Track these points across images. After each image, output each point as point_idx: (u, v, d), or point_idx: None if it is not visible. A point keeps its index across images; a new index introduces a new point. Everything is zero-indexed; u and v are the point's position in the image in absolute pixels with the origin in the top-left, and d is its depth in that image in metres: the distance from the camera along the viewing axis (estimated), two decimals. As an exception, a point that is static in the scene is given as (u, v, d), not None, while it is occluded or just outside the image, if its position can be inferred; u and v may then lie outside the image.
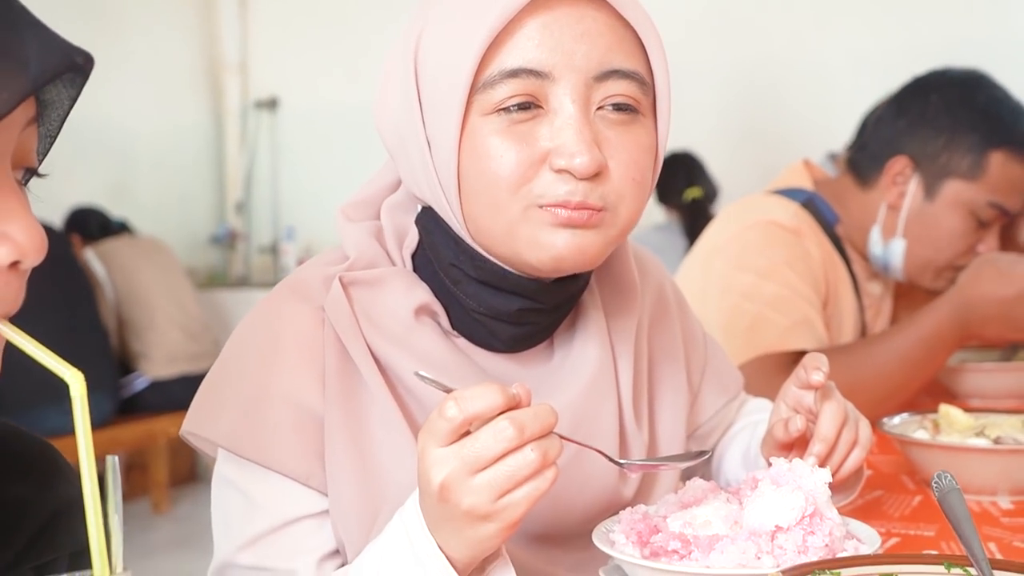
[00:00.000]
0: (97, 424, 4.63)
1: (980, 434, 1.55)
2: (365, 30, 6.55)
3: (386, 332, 1.14)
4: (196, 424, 1.16)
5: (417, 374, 0.99)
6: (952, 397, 2.16)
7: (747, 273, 2.07)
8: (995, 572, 0.92)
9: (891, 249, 2.15)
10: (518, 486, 0.92)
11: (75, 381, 0.73)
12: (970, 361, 2.31)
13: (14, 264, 0.77)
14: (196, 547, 5.05)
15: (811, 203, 2.20)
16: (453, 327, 1.18)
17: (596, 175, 1.06)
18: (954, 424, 1.59)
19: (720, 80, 5.07)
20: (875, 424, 1.57)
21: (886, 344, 1.97)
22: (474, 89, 1.06)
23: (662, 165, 1.18)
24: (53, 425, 2.63)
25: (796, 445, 1.25)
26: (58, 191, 5.48)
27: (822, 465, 1.16)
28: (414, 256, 1.20)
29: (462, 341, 1.19)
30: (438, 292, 1.18)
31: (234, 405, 1.13)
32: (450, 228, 1.14)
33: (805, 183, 2.26)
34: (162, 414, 5.27)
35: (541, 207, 1.06)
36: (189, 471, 6.36)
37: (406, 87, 1.11)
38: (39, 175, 0.83)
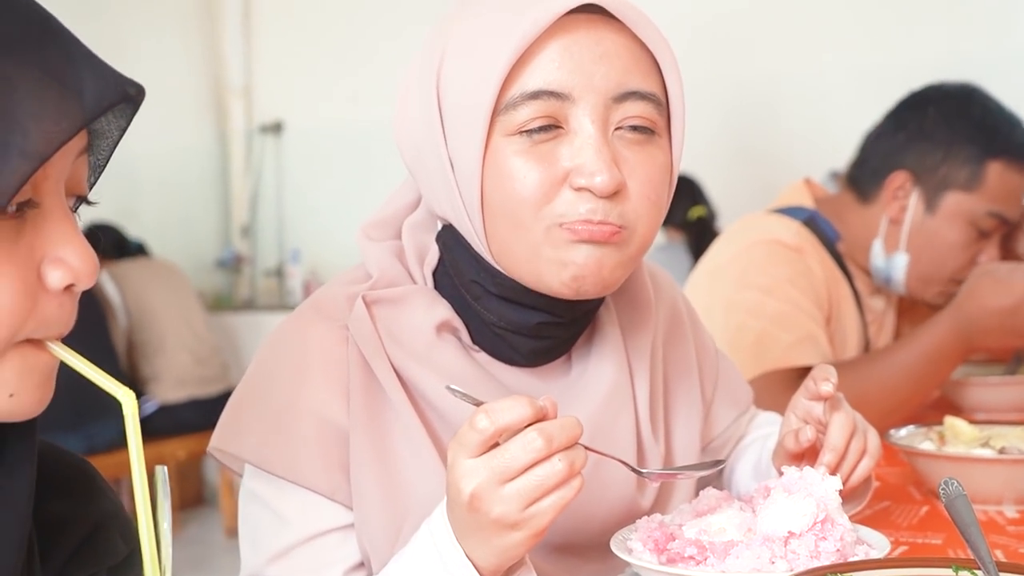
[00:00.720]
0: (105, 447, 4.66)
1: (985, 445, 1.58)
2: (367, 53, 6.59)
3: (408, 349, 1.18)
4: (224, 440, 1.19)
5: (448, 388, 1.02)
6: (957, 411, 2.19)
7: (751, 291, 2.10)
8: (1001, 574, 0.95)
9: (894, 263, 2.18)
10: (546, 495, 0.96)
11: (127, 400, 0.77)
12: (975, 375, 2.34)
13: (68, 287, 0.81)
14: (205, 569, 5.08)
15: (812, 221, 2.24)
16: (474, 342, 1.22)
17: (615, 194, 1.09)
18: (959, 435, 1.62)
19: (717, 99, 5.09)
20: (882, 436, 1.60)
21: (890, 358, 2.00)
22: (496, 110, 1.09)
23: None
24: (75, 447, 2.66)
25: (807, 455, 1.28)
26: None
27: (832, 474, 1.20)
28: (435, 273, 1.24)
29: (483, 356, 1.22)
30: (459, 308, 1.21)
31: (261, 422, 1.17)
32: (471, 246, 1.17)
33: (806, 201, 2.30)
34: (171, 437, 5.28)
35: (562, 226, 1.09)
36: (197, 494, 6.38)
37: (427, 106, 1.14)
38: (89, 203, 0.87)
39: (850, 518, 1.15)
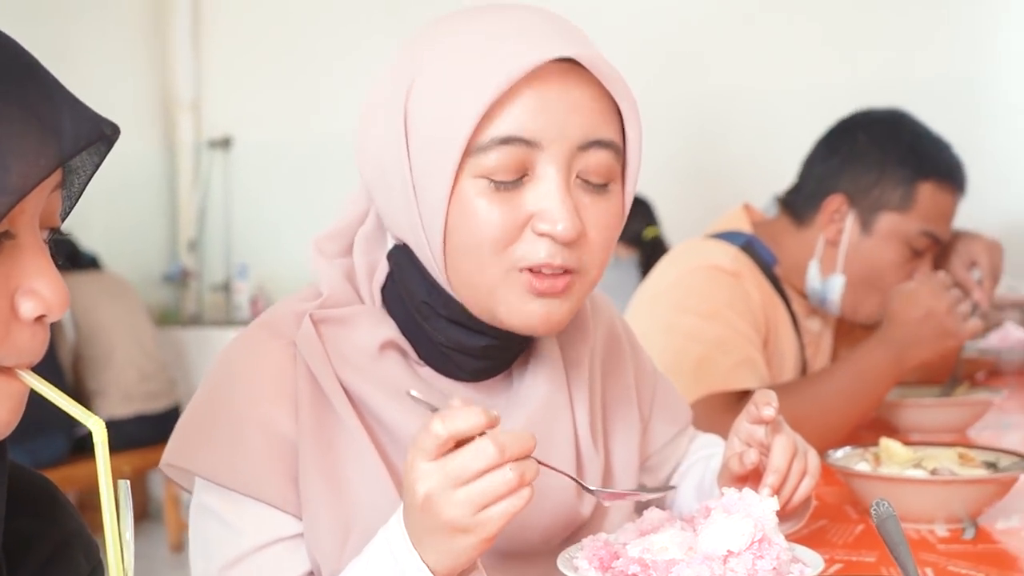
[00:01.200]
0: (49, 463, 4.64)
1: (918, 466, 1.64)
2: (318, 69, 6.61)
3: (354, 365, 1.22)
4: (176, 456, 1.23)
5: (409, 393, 1.07)
6: (893, 431, 2.25)
7: (690, 316, 2.16)
8: (928, 591, 1.00)
9: (829, 285, 2.25)
10: (495, 502, 1.00)
11: (97, 428, 0.80)
12: (910, 396, 2.40)
13: (40, 318, 0.84)
14: (150, 584, 5.05)
15: (750, 246, 2.30)
16: (420, 358, 1.26)
17: (574, 240, 1.15)
18: (894, 457, 1.68)
19: (665, 118, 5.12)
20: (820, 457, 1.66)
21: (827, 380, 2.06)
22: (467, 152, 1.13)
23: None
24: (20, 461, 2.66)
25: (750, 477, 1.32)
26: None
27: (775, 494, 1.25)
28: (383, 290, 1.28)
29: (427, 371, 1.27)
30: (405, 326, 1.26)
31: (213, 436, 1.20)
32: (425, 270, 1.22)
33: (744, 226, 2.36)
34: (117, 453, 5.22)
35: (521, 270, 1.15)
36: (142, 509, 6.33)
37: (393, 132, 1.17)
38: (61, 234, 0.90)
39: (789, 536, 1.20)
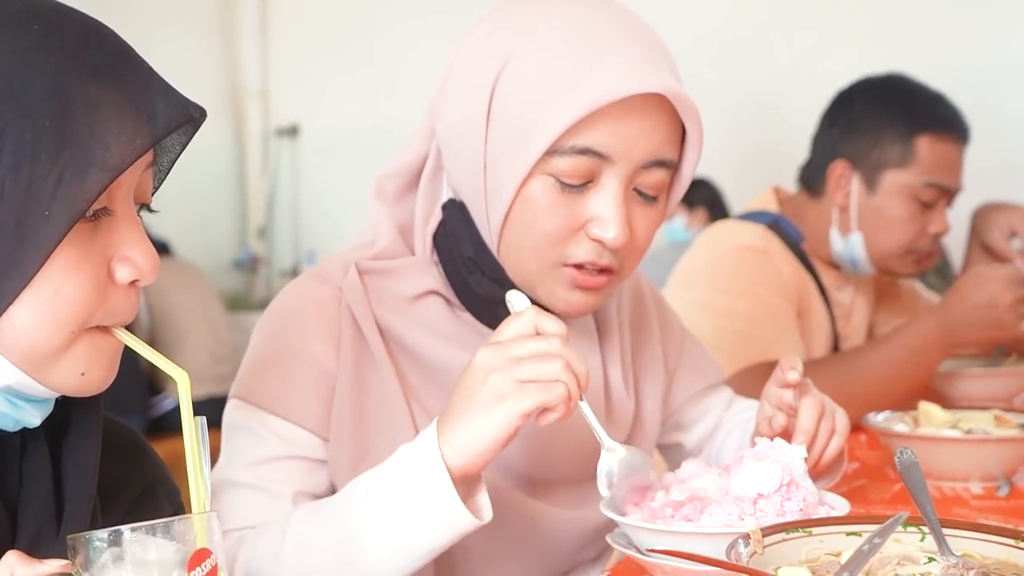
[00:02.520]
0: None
1: (954, 427, 1.69)
2: (384, 58, 6.69)
3: (393, 309, 1.35)
4: (238, 388, 1.35)
5: (509, 293, 1.26)
6: (941, 401, 2.29)
7: (724, 294, 2.23)
8: (944, 530, 1.06)
9: (851, 244, 2.32)
10: (537, 382, 1.12)
11: (182, 378, 0.93)
12: (957, 367, 2.44)
13: (133, 282, 0.94)
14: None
15: (776, 224, 2.37)
16: (463, 305, 1.38)
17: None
18: (932, 419, 1.74)
19: (725, 101, 5.14)
20: (861, 421, 1.73)
21: (877, 352, 2.12)
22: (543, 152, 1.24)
23: (695, 187, 1.39)
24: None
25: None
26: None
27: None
28: (435, 235, 1.39)
29: (467, 316, 1.38)
30: (450, 274, 1.37)
31: (265, 367, 1.33)
32: (476, 229, 1.32)
33: (771, 206, 2.44)
34: (187, 432, 5.35)
35: (566, 265, 1.28)
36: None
37: (476, 106, 1.28)
38: (151, 210, 1.01)
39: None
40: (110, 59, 0.91)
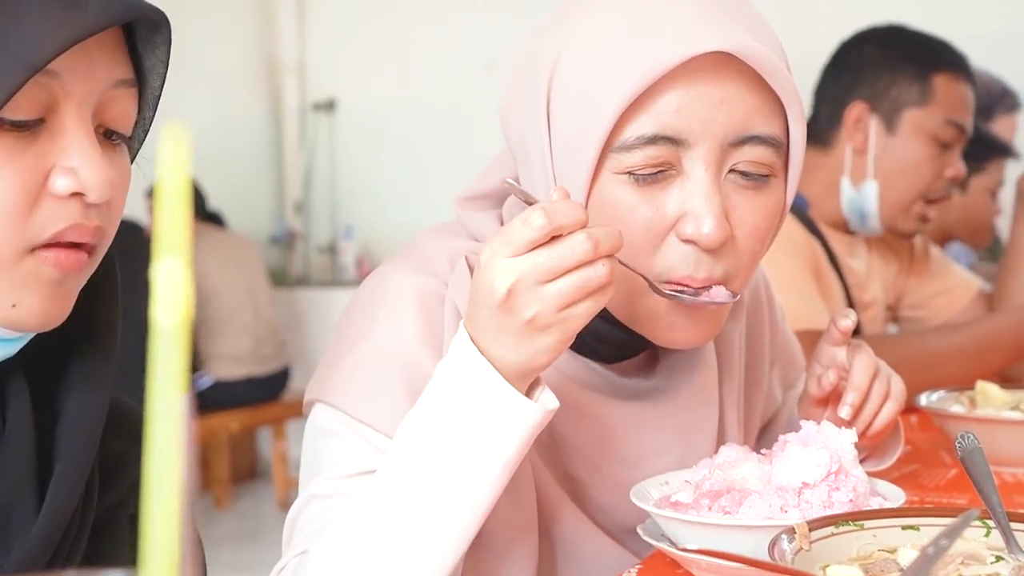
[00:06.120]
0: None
1: (1016, 408, 1.59)
2: (421, 31, 6.64)
3: None
4: (315, 388, 1.18)
5: (505, 181, 1.04)
6: (1005, 380, 2.19)
7: None
8: (1012, 524, 0.96)
9: (864, 194, 2.23)
10: (583, 300, 0.96)
11: None
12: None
13: (75, 195, 0.84)
14: (258, 540, 5.15)
15: None
16: None
17: (720, 245, 1.08)
18: (990, 399, 1.63)
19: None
20: (913, 401, 1.62)
21: (943, 337, 2.08)
22: (608, 145, 1.07)
23: None
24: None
25: (831, 401, 1.29)
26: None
27: (855, 416, 1.22)
28: None
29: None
30: None
31: (351, 367, 1.16)
32: None
33: None
34: (225, 411, 5.34)
35: (664, 283, 1.09)
36: (250, 468, 6.47)
37: (535, 113, 1.12)
38: (129, 144, 0.91)
39: (876, 476, 1.17)
40: None
